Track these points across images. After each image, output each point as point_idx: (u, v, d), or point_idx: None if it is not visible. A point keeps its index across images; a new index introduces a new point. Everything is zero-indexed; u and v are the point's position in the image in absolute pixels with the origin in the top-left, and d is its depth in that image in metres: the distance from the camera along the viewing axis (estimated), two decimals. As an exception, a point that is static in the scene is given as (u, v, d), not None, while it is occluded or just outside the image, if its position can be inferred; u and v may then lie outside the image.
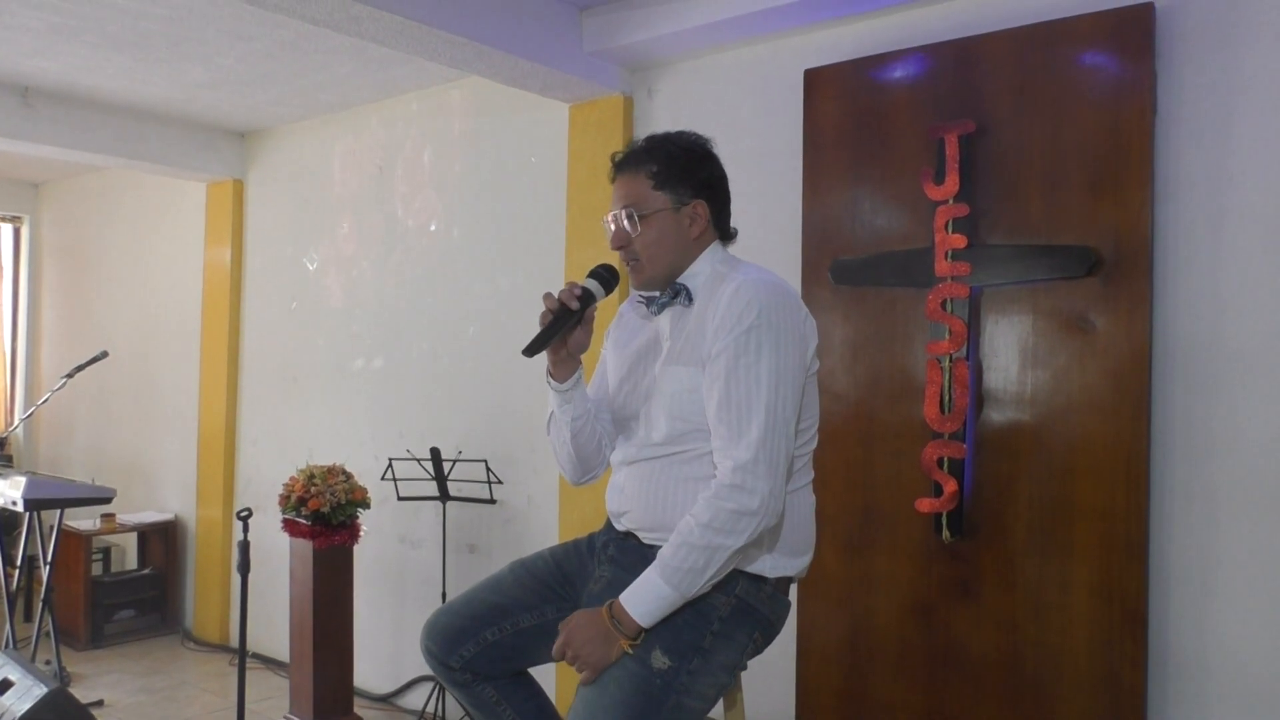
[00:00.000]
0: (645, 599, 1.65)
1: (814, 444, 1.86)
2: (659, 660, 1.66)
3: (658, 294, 1.90)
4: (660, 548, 1.74)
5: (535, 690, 1.97)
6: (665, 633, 1.68)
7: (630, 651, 1.66)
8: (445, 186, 4.41)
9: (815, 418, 1.85)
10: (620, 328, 2.03)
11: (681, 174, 1.87)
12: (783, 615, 1.85)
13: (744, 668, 1.83)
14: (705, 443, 1.77)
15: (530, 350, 1.83)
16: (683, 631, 1.69)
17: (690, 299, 1.85)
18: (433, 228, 4.45)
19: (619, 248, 1.88)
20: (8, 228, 7.08)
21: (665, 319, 1.89)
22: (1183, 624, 2.57)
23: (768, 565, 1.78)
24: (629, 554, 1.82)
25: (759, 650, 1.82)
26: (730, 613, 1.74)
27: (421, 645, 1.94)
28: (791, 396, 1.71)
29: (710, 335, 1.75)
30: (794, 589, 1.95)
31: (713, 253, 1.90)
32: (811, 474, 1.87)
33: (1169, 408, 2.59)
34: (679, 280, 1.88)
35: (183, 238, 5.78)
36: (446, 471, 3.97)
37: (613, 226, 1.89)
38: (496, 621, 1.88)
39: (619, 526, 1.89)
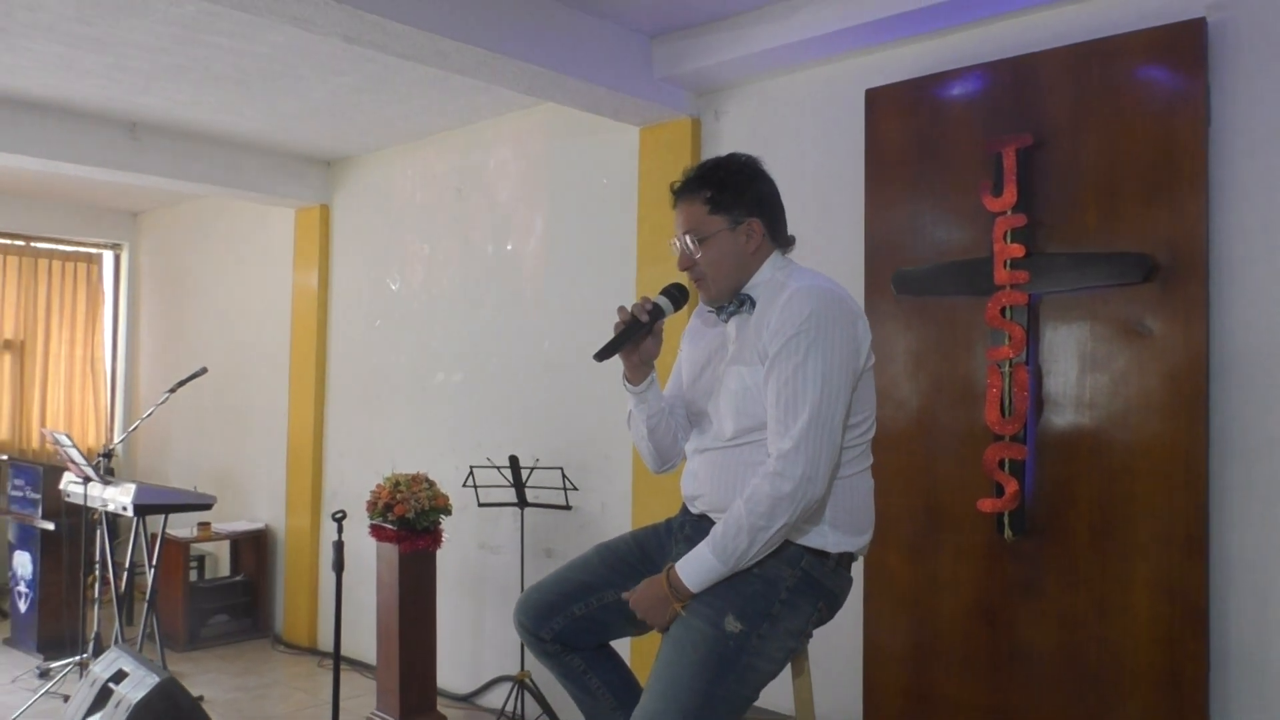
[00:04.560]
0: (696, 568, 1.86)
1: (871, 433, 2.01)
2: (732, 625, 1.83)
3: (725, 304, 2.05)
4: None
5: (618, 661, 2.14)
6: (737, 601, 1.85)
7: (682, 613, 1.87)
8: (521, 208, 4.62)
9: (872, 409, 2.00)
10: (692, 334, 2.21)
11: (735, 196, 2.03)
12: (845, 588, 1.99)
13: (810, 635, 1.98)
14: (765, 434, 1.93)
15: (600, 355, 2.03)
16: (753, 600, 1.86)
17: (754, 306, 2.01)
18: (509, 247, 4.66)
19: (685, 269, 2.06)
20: (109, 254, 7.52)
21: (732, 325, 2.06)
22: (1244, 620, 2.62)
23: (830, 541, 1.93)
24: (702, 533, 1.97)
25: (824, 620, 1.97)
26: (796, 584, 1.90)
27: (515, 620, 2.12)
28: (839, 394, 1.86)
29: (767, 338, 1.91)
30: (860, 567, 2.07)
31: (773, 262, 2.06)
32: (870, 459, 2.02)
33: (1227, 409, 2.66)
34: (744, 291, 2.03)
35: (272, 261, 6.11)
36: (524, 479, 4.15)
37: (677, 250, 2.07)
38: (584, 597, 2.06)
39: (693, 509, 2.06)
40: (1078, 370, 2.84)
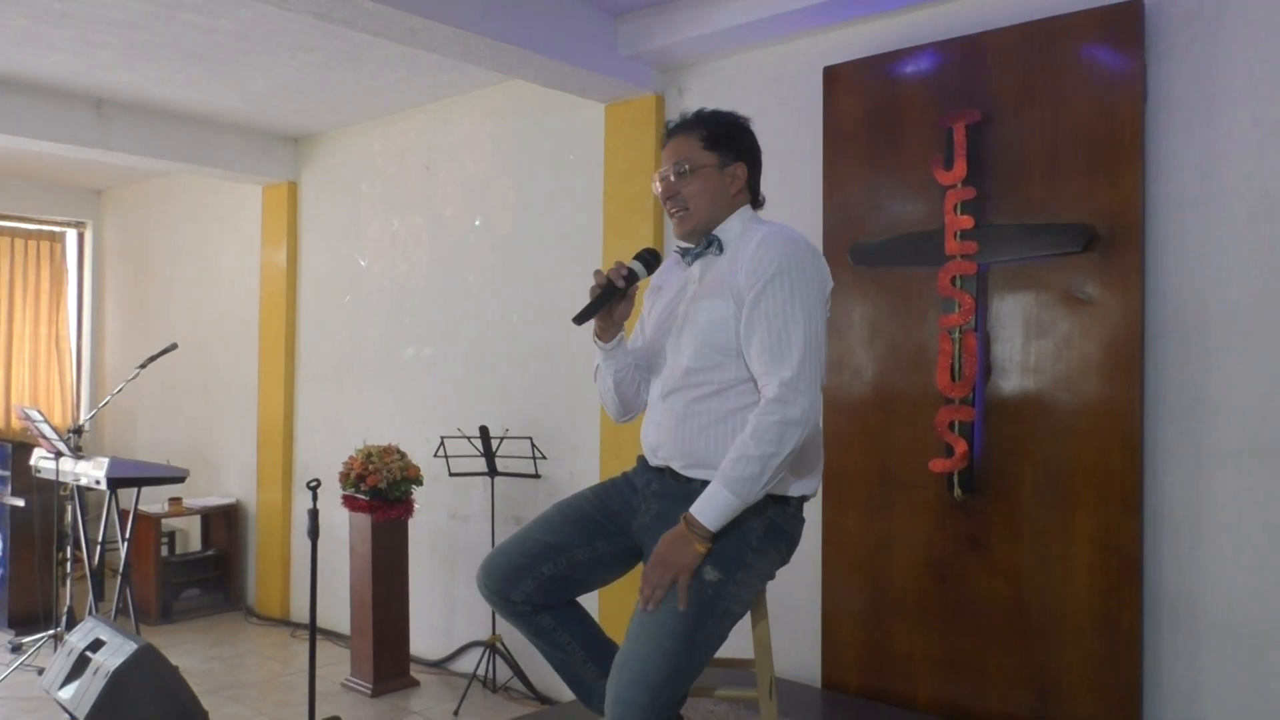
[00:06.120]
0: (713, 506, 1.93)
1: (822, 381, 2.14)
2: (710, 574, 1.95)
3: (693, 246, 2.17)
4: (695, 479, 2.02)
5: (585, 615, 2.25)
6: (713, 552, 1.96)
7: (700, 551, 1.93)
8: (488, 184, 4.70)
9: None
10: (655, 290, 2.32)
11: (726, 140, 2.18)
12: (800, 530, 2.13)
13: (774, 577, 2.11)
14: (729, 373, 2.04)
15: (579, 319, 2.13)
16: (728, 550, 1.98)
17: (721, 249, 2.13)
18: (477, 223, 4.73)
19: (669, 197, 2.17)
20: (72, 233, 7.49)
21: (696, 267, 2.18)
22: (1176, 569, 2.79)
23: (792, 487, 2.07)
24: (670, 487, 2.09)
25: (785, 562, 2.11)
26: (765, 532, 2.03)
27: (480, 584, 2.20)
28: (821, 326, 2.00)
29: (743, 279, 2.02)
30: (817, 526, 2.16)
31: (744, 212, 2.20)
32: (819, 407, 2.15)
33: (1161, 371, 2.82)
34: (714, 232, 2.15)
35: (240, 238, 6.13)
36: (494, 448, 4.25)
37: (659, 185, 2.20)
38: (552, 558, 2.14)
39: (654, 461, 2.16)
40: (1023, 336, 2.98)
